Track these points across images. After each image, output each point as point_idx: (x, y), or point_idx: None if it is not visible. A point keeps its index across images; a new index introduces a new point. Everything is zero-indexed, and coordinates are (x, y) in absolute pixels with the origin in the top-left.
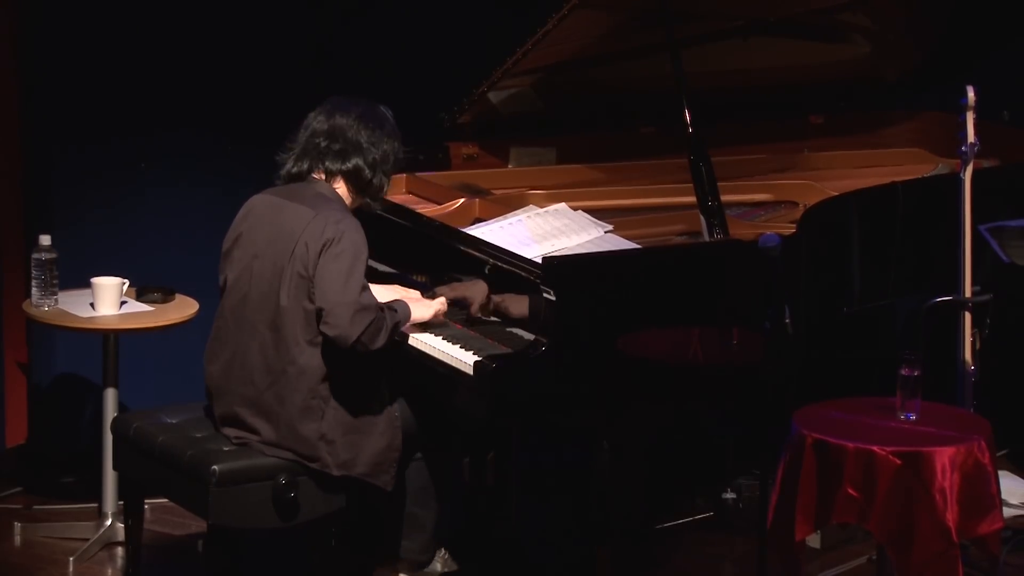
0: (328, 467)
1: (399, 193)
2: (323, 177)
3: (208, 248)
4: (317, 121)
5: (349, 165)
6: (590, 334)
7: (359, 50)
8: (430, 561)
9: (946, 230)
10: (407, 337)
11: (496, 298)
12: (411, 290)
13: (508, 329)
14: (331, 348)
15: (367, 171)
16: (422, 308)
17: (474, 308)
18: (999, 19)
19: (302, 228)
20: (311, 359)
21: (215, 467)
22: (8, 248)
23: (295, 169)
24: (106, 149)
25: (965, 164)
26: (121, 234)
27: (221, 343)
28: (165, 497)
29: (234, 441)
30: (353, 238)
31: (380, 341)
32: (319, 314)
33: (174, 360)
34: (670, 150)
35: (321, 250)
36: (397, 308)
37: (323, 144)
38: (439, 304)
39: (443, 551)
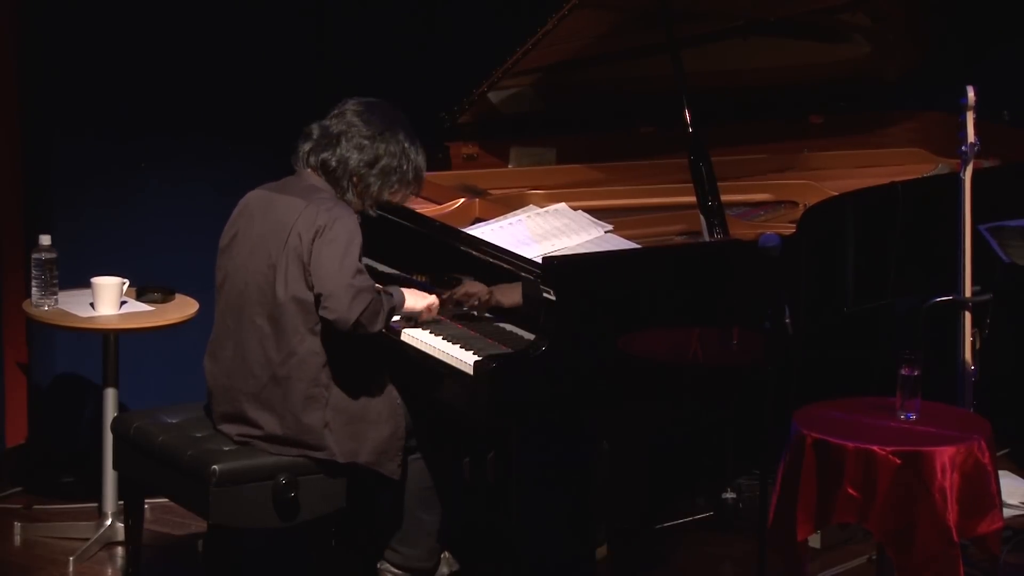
0: (334, 455)
1: None
2: (310, 170)
3: (208, 248)
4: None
5: (318, 158)
6: (590, 334)
7: (359, 50)
8: (436, 567)
9: (946, 230)
10: (400, 333)
11: (496, 297)
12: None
13: (508, 329)
14: (331, 335)
15: (333, 163)
16: (415, 297)
17: (473, 305)
18: (998, 19)
19: (294, 218)
20: (311, 347)
21: (215, 467)
22: (8, 248)
23: (293, 158)
24: (106, 149)
25: (965, 164)
26: (121, 234)
27: (221, 341)
28: (165, 497)
29: (235, 439)
30: (346, 223)
31: (379, 324)
32: (318, 299)
33: (174, 360)
34: (670, 150)
35: (314, 237)
36: (392, 293)
37: (314, 134)
38: (432, 299)
39: (446, 553)
